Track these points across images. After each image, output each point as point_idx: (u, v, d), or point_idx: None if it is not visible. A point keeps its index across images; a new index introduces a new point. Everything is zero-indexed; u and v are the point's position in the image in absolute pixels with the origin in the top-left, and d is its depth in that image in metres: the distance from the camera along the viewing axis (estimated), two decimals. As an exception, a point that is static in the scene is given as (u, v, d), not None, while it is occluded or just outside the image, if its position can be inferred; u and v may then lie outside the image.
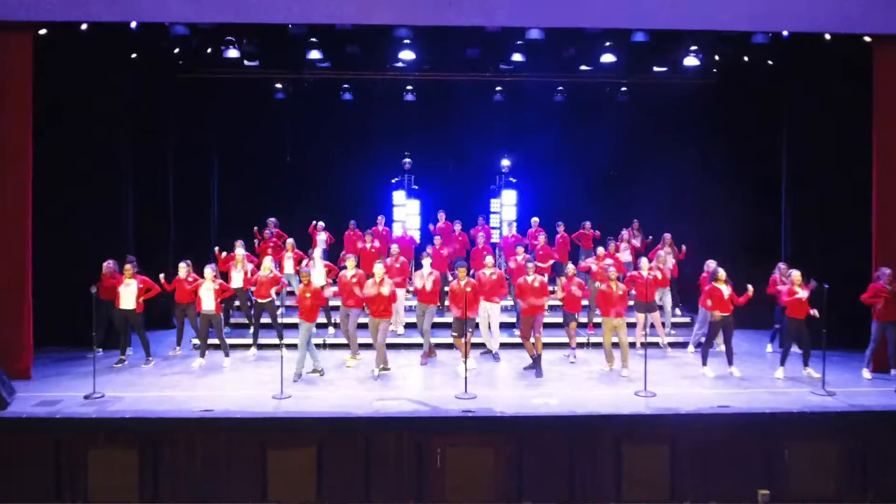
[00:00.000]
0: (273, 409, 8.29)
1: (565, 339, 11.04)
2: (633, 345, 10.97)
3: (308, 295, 9.74)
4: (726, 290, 9.74)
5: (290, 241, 12.70)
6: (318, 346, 10.72)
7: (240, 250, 11.65)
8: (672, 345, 11.54)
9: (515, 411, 8.13)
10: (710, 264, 10.93)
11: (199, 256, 11.79)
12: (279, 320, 10.27)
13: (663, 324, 11.72)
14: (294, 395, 8.90)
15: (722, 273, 9.87)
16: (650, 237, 13.88)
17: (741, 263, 11.74)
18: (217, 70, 13.41)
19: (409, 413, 8.13)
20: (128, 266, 10.34)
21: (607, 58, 12.12)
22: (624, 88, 14.66)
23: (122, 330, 10.44)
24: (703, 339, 10.45)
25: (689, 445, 7.95)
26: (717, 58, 12.62)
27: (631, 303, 10.78)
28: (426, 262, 10.94)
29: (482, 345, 11.01)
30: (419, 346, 10.94)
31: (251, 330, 11.27)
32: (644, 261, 11.14)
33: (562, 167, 15.96)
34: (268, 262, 11.03)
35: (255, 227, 13.32)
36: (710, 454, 7.96)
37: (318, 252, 12.01)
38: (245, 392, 9.06)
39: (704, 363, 10.00)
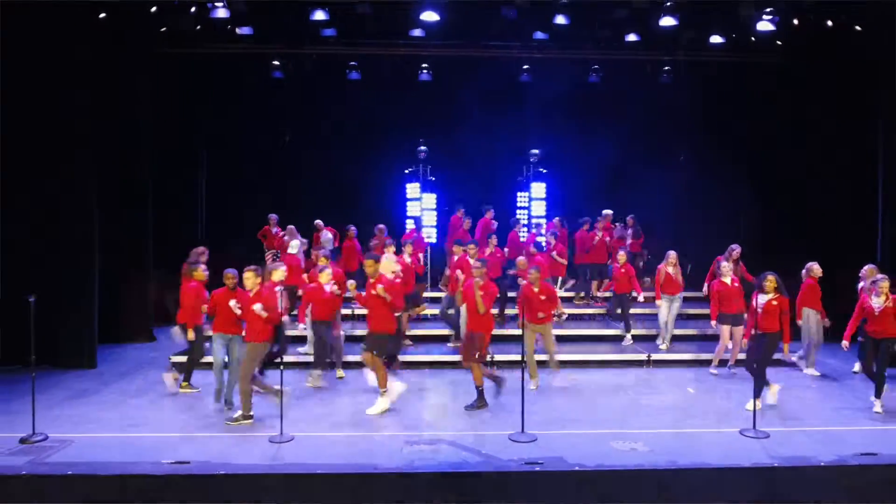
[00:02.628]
0: (271, 459, 6.18)
1: (606, 357, 9.89)
2: (723, 363, 9.50)
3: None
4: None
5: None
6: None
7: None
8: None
9: (597, 462, 6.07)
10: (815, 269, 9.06)
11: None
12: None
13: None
14: (297, 435, 6.82)
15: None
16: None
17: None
18: (206, 45, 11.76)
19: (456, 466, 6.01)
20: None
21: (667, 21, 10.32)
22: (667, 67, 12.81)
23: None
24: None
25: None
26: (795, 21, 10.70)
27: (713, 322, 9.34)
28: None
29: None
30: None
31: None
32: (727, 267, 9.26)
33: (597, 157, 13.94)
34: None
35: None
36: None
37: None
38: (231, 433, 6.95)
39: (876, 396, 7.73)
